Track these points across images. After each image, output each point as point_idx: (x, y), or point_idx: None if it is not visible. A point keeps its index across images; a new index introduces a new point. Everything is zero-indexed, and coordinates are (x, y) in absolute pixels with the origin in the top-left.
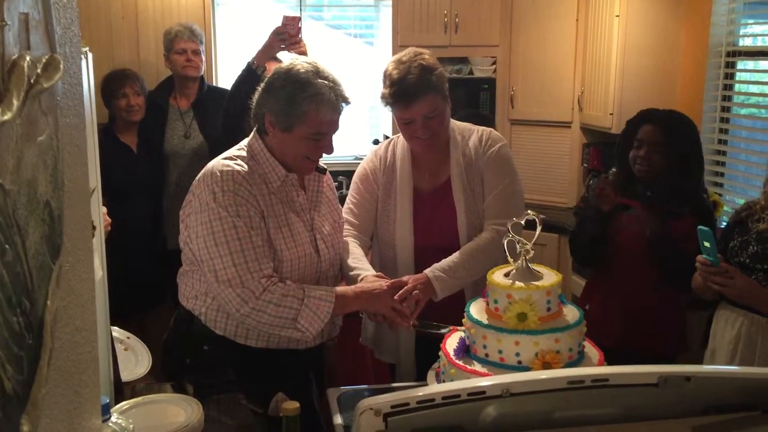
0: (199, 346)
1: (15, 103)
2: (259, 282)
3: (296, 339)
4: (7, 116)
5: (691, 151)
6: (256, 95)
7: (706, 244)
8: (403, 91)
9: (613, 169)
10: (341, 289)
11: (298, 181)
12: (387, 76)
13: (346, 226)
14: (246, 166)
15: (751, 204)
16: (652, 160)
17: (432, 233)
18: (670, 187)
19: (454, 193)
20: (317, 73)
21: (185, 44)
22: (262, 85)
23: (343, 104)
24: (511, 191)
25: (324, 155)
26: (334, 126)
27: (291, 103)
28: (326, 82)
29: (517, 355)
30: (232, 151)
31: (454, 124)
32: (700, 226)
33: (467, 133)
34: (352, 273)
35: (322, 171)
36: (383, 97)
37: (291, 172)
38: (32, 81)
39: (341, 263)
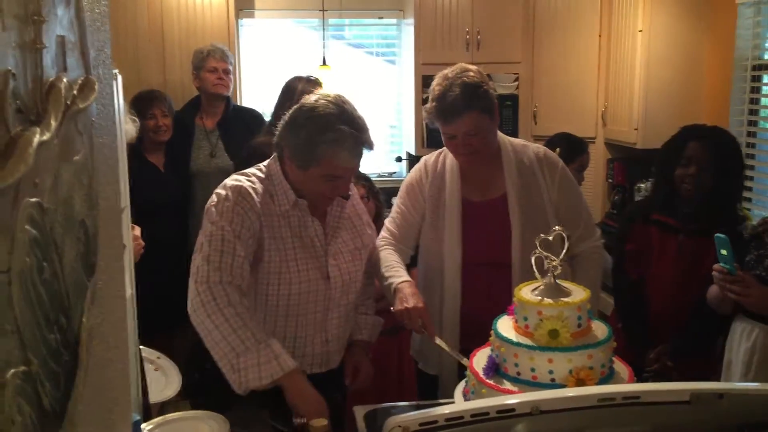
0: (204, 363)
1: (53, 123)
2: (224, 288)
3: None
4: (46, 136)
5: (738, 171)
6: (280, 126)
7: (723, 252)
8: (444, 107)
9: (648, 182)
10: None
11: (322, 207)
12: (430, 91)
13: (384, 235)
14: (258, 184)
15: (767, 219)
16: (701, 179)
17: (482, 248)
18: (712, 207)
19: (510, 207)
20: (341, 116)
21: (217, 63)
22: (286, 117)
23: (366, 149)
24: (585, 208)
25: None
26: (353, 171)
27: (309, 143)
28: (347, 128)
29: (551, 372)
30: (252, 170)
31: (506, 139)
32: (717, 234)
33: (520, 147)
34: (385, 283)
35: (345, 197)
36: (426, 111)
37: (302, 198)
38: (69, 102)
39: (379, 276)
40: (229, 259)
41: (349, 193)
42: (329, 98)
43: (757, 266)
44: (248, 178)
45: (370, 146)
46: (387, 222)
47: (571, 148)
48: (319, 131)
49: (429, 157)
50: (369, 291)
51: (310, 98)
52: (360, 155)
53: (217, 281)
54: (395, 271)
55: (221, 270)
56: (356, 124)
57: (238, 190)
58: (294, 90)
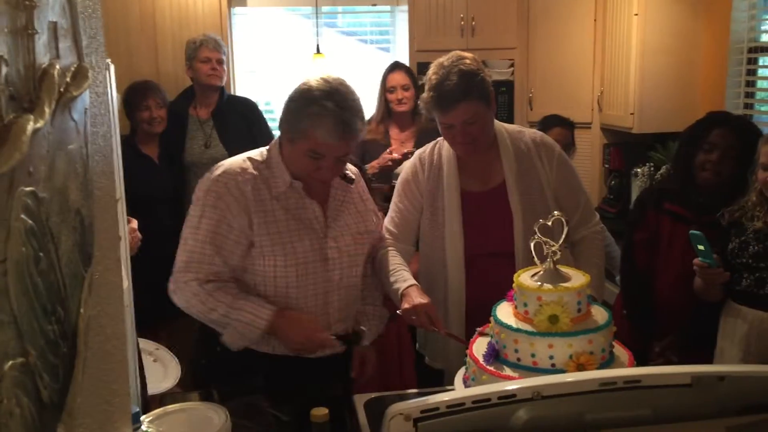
0: (214, 348)
1: (47, 110)
2: (187, 285)
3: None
4: (40, 123)
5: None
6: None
7: (701, 247)
8: (441, 97)
9: (663, 170)
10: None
11: (323, 189)
12: (427, 80)
13: (385, 236)
14: (253, 166)
15: (743, 203)
16: (722, 166)
17: (484, 238)
18: (727, 198)
19: (510, 196)
20: (330, 93)
21: (210, 53)
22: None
23: (352, 133)
24: (584, 192)
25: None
26: (335, 150)
27: (295, 116)
28: (333, 105)
29: (551, 358)
30: (254, 152)
31: (502, 126)
32: (691, 231)
33: (516, 134)
34: (392, 288)
35: (350, 181)
36: (423, 101)
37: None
38: (62, 89)
39: (383, 279)
40: (197, 257)
41: (349, 174)
42: (326, 78)
43: (742, 254)
44: (241, 165)
45: (354, 129)
46: (386, 222)
47: (542, 125)
48: (305, 104)
49: (423, 151)
50: (376, 283)
51: (311, 77)
52: (342, 136)
53: (181, 281)
54: (400, 275)
55: (188, 270)
56: (344, 104)
57: (224, 183)
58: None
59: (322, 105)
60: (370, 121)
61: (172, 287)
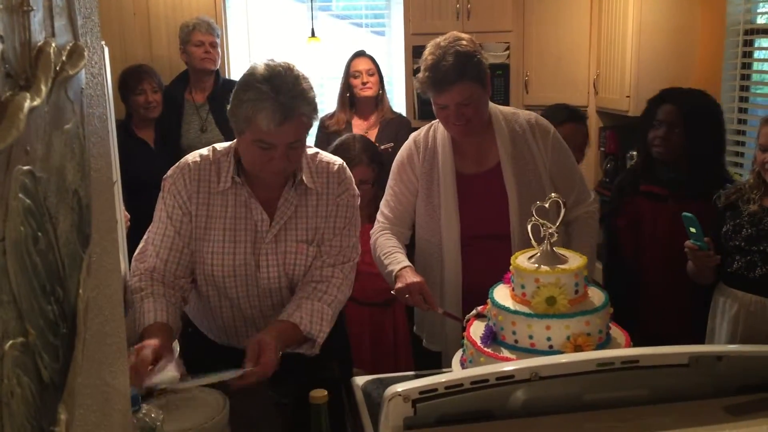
0: (186, 328)
1: (43, 89)
2: (136, 267)
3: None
4: (36, 102)
5: (711, 132)
6: None
7: (692, 229)
8: (437, 77)
9: (633, 152)
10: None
11: (274, 192)
12: (423, 60)
13: (379, 220)
14: (213, 157)
15: (741, 186)
16: (669, 140)
17: (480, 220)
18: (690, 169)
19: (505, 177)
20: (269, 78)
21: (203, 36)
22: None
23: (293, 116)
24: (578, 171)
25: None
26: (281, 138)
27: (236, 103)
28: (269, 88)
29: (548, 339)
30: (224, 143)
31: (497, 108)
32: (684, 213)
33: (511, 115)
34: (386, 271)
35: (298, 184)
36: (419, 81)
37: (255, 175)
38: (58, 68)
39: (378, 263)
40: (158, 239)
41: (300, 176)
42: (271, 62)
43: (735, 237)
44: (201, 152)
45: (295, 113)
46: (381, 205)
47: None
48: (243, 90)
49: (417, 134)
50: (344, 287)
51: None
52: (283, 121)
53: (136, 260)
54: (394, 258)
55: (145, 251)
56: (281, 87)
57: (180, 169)
58: None
59: (258, 89)
60: (333, 114)
61: (132, 264)
